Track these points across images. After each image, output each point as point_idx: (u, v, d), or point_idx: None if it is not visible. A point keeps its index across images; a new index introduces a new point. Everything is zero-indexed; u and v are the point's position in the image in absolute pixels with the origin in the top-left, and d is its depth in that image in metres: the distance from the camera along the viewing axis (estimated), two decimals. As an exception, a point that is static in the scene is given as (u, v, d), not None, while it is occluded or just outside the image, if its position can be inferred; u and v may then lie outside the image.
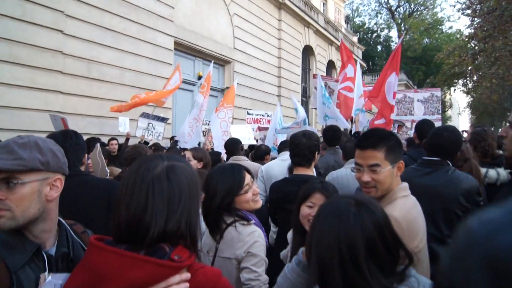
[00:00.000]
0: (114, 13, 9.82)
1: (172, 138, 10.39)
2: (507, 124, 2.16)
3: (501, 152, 3.92)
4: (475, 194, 2.78)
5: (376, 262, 1.24)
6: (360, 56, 30.18)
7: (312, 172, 3.17)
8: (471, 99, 38.69)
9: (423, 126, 4.46)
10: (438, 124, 10.15)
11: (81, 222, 1.68)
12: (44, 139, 1.42)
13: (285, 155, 4.59)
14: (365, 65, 32.06)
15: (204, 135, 8.98)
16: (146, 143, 8.70)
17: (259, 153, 5.98)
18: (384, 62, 45.44)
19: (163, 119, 9.20)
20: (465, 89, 34.22)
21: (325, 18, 24.00)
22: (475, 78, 25.15)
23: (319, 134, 9.36)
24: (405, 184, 2.04)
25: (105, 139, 7.93)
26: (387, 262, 1.27)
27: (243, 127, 10.06)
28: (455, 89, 35.99)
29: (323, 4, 27.91)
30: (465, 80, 30.21)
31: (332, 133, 5.11)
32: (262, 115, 10.40)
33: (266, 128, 10.09)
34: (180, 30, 12.14)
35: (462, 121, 63.43)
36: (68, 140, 2.40)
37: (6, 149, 1.29)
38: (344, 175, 3.73)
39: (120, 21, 10.01)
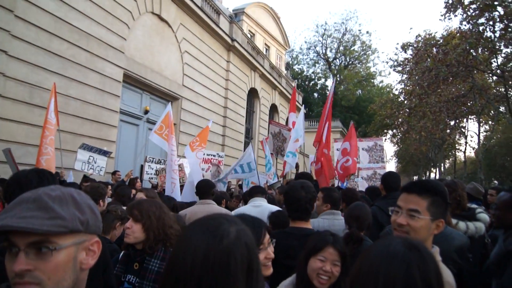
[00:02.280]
0: (63, 39, 9.33)
1: (114, 173, 9.84)
2: None
3: (473, 205, 4.01)
4: (466, 250, 2.77)
5: None
6: (301, 102, 31.16)
7: (310, 225, 3.01)
8: (398, 148, 41.16)
9: (389, 178, 4.48)
10: (382, 172, 10.59)
11: None
12: (79, 192, 1.12)
13: (257, 201, 4.43)
14: (304, 110, 33.18)
15: (157, 174, 8.60)
16: (85, 177, 8.14)
17: (215, 198, 5.68)
18: (320, 109, 47.43)
19: (105, 153, 8.74)
20: (394, 139, 36.43)
21: (270, 63, 24.65)
22: (403, 129, 26.79)
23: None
24: (438, 249, 1.97)
25: (46, 171, 7.28)
26: None
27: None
28: (385, 139, 38.18)
29: (266, 49, 28.75)
30: (394, 131, 32.18)
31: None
32: (214, 155, 10.23)
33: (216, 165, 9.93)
34: (130, 62, 11.80)
35: (388, 169, 66.81)
36: (44, 182, 1.97)
37: (37, 204, 1.00)
38: (326, 226, 3.62)
39: (69, 47, 9.52)
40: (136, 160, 11.96)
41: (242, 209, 4.42)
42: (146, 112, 13.02)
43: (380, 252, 1.20)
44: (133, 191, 7.28)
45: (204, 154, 10.50)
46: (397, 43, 45.04)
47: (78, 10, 9.72)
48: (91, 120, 10.23)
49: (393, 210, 2.02)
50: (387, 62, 36.44)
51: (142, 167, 10.64)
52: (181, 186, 7.77)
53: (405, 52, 20.68)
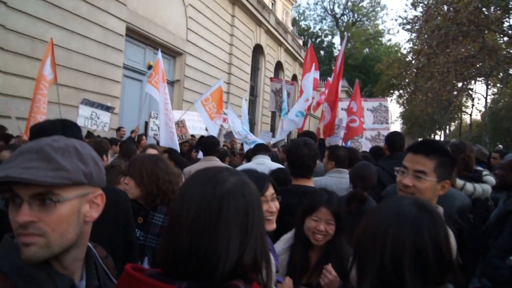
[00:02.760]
0: (64, -10, 9.08)
1: (118, 129, 9.88)
2: None
3: (479, 168, 3.99)
4: (467, 211, 2.77)
5: (421, 270, 1.12)
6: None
7: (312, 182, 3.01)
8: (404, 109, 40.86)
9: (394, 138, 4.45)
10: (386, 133, 10.53)
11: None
12: (82, 143, 1.10)
13: (260, 159, 4.46)
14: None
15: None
16: (89, 133, 8.11)
17: (219, 155, 5.69)
18: (327, 67, 46.82)
19: (108, 108, 8.68)
20: (400, 100, 36.10)
21: (276, 19, 24.07)
22: (409, 90, 26.48)
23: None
24: (442, 209, 1.93)
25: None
26: (433, 273, 1.14)
27: (196, 114, 9.79)
28: (391, 99, 37.86)
29: (272, 4, 28.01)
30: (401, 91, 31.83)
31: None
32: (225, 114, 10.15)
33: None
34: (133, 16, 11.52)
35: (393, 130, 66.46)
36: (68, 132, 1.92)
37: (41, 155, 0.97)
38: (333, 184, 3.62)
39: (69, -1, 9.28)
40: (140, 115, 11.91)
41: (245, 166, 4.45)
42: (150, 67, 12.80)
43: (389, 213, 1.19)
44: (141, 149, 7.29)
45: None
46: (407, 0, 43.83)
47: (78, -41, 9.40)
48: (94, 75, 10.12)
49: (399, 171, 1.98)
50: (396, 20, 35.59)
51: (146, 123, 10.61)
52: (183, 143, 7.79)
53: (415, 9, 20.03)
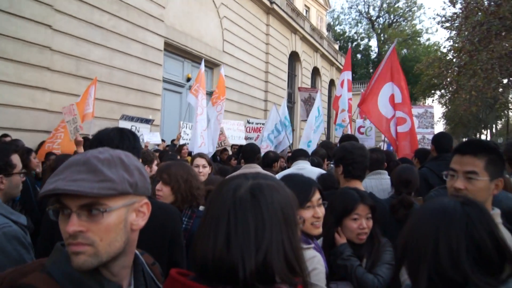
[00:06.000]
0: (104, 10, 9.44)
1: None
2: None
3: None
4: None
5: (480, 260, 1.10)
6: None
7: (361, 186, 2.97)
8: (446, 110, 39.59)
9: (441, 139, 4.34)
10: (430, 137, 10.32)
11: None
12: (127, 154, 1.13)
13: (300, 164, 4.44)
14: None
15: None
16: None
17: (267, 161, 5.64)
18: (364, 70, 46.10)
19: (147, 121, 8.89)
20: (442, 100, 35.01)
21: (311, 25, 24.03)
22: (451, 89, 25.63)
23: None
24: (499, 211, 1.85)
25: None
26: (493, 262, 1.11)
27: (236, 123, 9.90)
28: (433, 100, 36.80)
29: (306, 11, 27.98)
30: (442, 91, 30.87)
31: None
32: (263, 124, 10.18)
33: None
34: (170, 31, 11.84)
35: (436, 131, 64.18)
36: (125, 141, 1.92)
37: (87, 167, 1.01)
38: (374, 186, 3.58)
39: (110, 19, 9.63)
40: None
41: (285, 172, 4.43)
42: (188, 79, 13.12)
43: (436, 211, 1.18)
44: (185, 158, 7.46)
45: (253, 123, 10.66)
46: (445, -3, 42.61)
47: (117, -20, 9.78)
48: (135, 89, 10.44)
49: (448, 175, 1.91)
50: (434, 18, 34.69)
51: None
52: (223, 151, 7.93)
53: (454, 6, 19.40)
